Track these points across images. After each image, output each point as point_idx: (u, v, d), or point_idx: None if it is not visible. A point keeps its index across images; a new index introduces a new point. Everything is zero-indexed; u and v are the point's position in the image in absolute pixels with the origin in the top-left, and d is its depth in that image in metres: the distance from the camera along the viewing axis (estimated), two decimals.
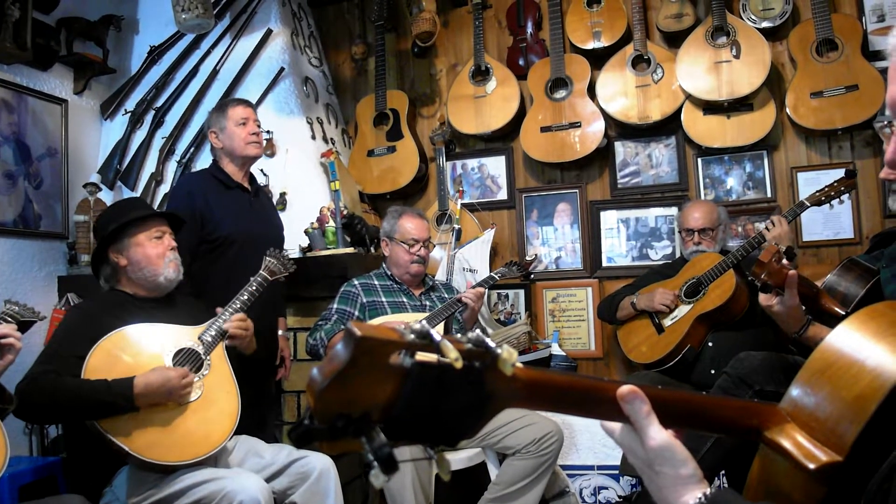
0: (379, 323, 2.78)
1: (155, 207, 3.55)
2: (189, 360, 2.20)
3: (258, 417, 2.77)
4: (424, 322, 0.64)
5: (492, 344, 0.67)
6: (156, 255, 2.29)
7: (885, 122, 0.97)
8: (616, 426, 0.85)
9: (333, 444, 0.64)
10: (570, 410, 0.82)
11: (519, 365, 0.70)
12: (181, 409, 2.10)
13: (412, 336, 0.63)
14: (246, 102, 3.00)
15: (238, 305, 2.34)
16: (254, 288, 2.40)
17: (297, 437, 0.64)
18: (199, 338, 2.26)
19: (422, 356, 0.63)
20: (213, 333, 2.28)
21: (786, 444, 0.85)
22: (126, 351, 2.12)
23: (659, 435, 0.80)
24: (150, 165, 3.87)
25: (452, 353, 0.62)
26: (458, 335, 0.67)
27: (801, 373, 0.92)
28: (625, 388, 0.80)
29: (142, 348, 2.15)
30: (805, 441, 0.85)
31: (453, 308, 2.83)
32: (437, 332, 0.64)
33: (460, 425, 0.69)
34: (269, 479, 2.18)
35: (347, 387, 0.61)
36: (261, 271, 2.44)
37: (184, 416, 2.10)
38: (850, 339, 0.91)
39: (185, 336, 2.24)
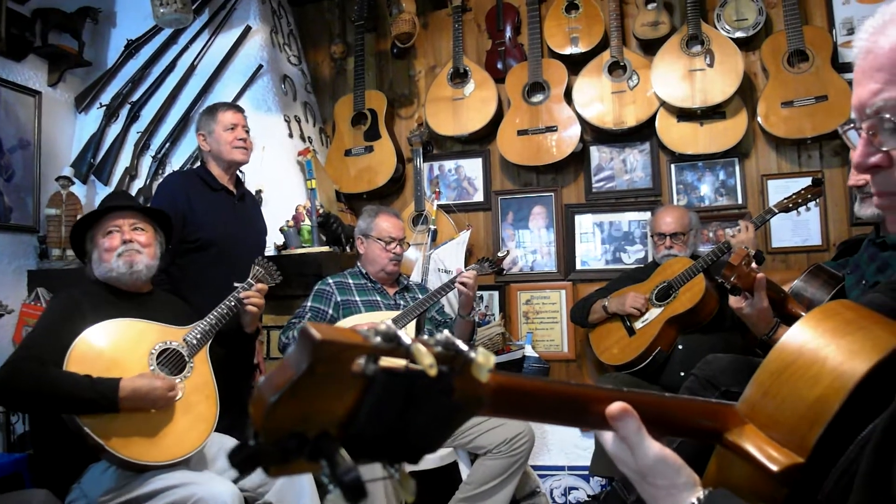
0: (352, 323, 2.79)
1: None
2: (172, 360, 2.18)
3: (231, 416, 2.75)
4: (391, 322, 0.57)
5: (464, 347, 0.60)
6: (104, 249, 2.28)
7: (850, 126, 0.92)
8: (609, 436, 0.83)
9: (284, 467, 0.57)
10: (541, 418, 0.78)
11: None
12: (161, 410, 2.08)
13: (378, 339, 0.55)
14: (236, 107, 3.00)
15: (224, 311, 2.33)
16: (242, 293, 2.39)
17: (240, 462, 0.55)
18: (184, 339, 2.25)
19: (387, 362, 0.56)
20: (199, 336, 2.27)
21: (748, 446, 0.85)
22: (110, 345, 2.09)
23: (651, 451, 0.79)
24: (124, 160, 3.83)
25: (427, 359, 0.55)
26: (426, 336, 0.60)
27: (759, 374, 0.91)
28: (615, 408, 0.78)
29: (125, 344, 2.12)
30: (766, 443, 0.84)
31: (426, 304, 2.83)
32: (406, 335, 0.56)
33: (426, 439, 0.62)
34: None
35: (302, 400, 0.54)
36: (248, 279, 2.43)
37: (163, 417, 2.07)
38: (806, 339, 0.91)
39: (170, 336, 2.23)
